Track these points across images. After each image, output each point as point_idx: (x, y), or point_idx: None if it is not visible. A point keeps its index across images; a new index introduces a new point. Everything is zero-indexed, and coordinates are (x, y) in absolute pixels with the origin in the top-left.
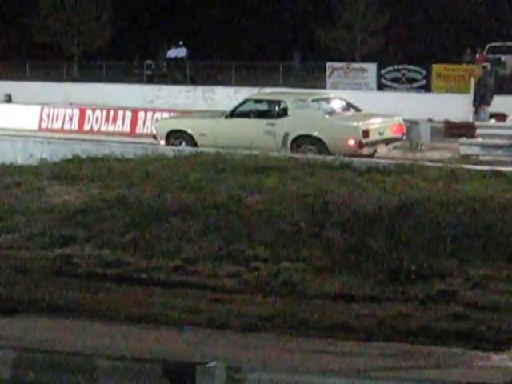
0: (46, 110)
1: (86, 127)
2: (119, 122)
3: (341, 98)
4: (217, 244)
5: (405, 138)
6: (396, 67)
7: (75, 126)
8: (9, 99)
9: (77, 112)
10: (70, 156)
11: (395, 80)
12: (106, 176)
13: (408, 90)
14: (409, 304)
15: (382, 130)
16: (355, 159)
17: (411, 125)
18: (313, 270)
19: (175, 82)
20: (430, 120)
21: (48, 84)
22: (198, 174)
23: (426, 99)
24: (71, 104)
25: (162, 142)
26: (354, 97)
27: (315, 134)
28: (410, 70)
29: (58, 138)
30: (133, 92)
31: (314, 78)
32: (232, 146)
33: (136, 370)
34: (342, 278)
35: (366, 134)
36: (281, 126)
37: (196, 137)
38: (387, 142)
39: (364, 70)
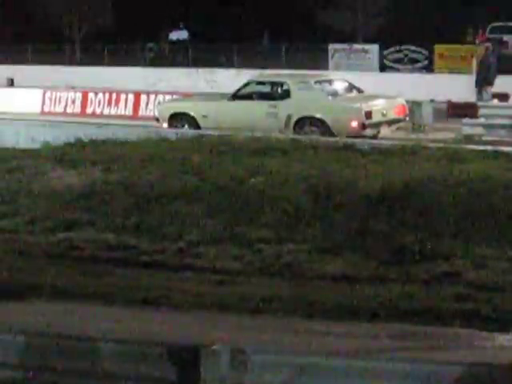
0: (48, 93)
1: (89, 110)
2: (121, 105)
3: (343, 80)
4: (220, 226)
5: (408, 118)
6: (398, 48)
7: (78, 110)
8: (11, 83)
9: (79, 95)
10: (72, 139)
11: (397, 61)
12: (108, 159)
13: (410, 70)
14: (413, 285)
15: (384, 111)
16: (358, 140)
17: (414, 106)
18: (316, 251)
19: (177, 64)
20: (433, 101)
21: (50, 68)
22: (201, 156)
23: (429, 80)
24: (73, 87)
25: (165, 125)
26: (356, 78)
27: (318, 115)
28: (412, 51)
29: (61, 121)
30: (135, 75)
31: (315, 59)
32: (235, 127)
33: (140, 354)
34: (346, 259)
35: (368, 115)
36: (283, 107)
37: (199, 119)
38: (390, 123)
39: (366, 52)
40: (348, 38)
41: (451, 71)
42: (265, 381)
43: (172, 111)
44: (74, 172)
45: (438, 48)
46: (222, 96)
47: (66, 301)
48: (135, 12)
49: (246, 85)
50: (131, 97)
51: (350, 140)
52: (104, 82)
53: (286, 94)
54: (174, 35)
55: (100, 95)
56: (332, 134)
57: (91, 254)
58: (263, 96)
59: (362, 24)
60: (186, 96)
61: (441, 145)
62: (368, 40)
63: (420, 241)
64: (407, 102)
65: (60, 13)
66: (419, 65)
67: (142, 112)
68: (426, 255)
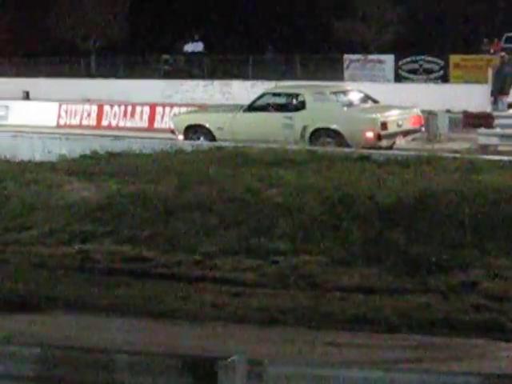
0: (63, 106)
1: (104, 123)
2: (137, 117)
3: (359, 91)
4: (236, 238)
5: (423, 129)
6: (413, 58)
7: (93, 122)
8: (26, 96)
9: (95, 108)
10: (88, 152)
11: (412, 71)
12: (124, 172)
13: (425, 81)
14: (429, 295)
15: (400, 122)
16: (373, 151)
17: (429, 116)
18: (332, 262)
19: (192, 76)
20: (448, 111)
21: (65, 80)
22: (217, 168)
23: (444, 90)
24: (89, 100)
25: (181, 137)
26: (371, 89)
27: (333, 126)
28: (427, 61)
29: (76, 134)
30: (150, 87)
31: (330, 70)
32: (250, 139)
33: (157, 366)
34: (362, 271)
35: (384, 126)
36: (299, 119)
37: (214, 131)
38: (406, 133)
39: (381, 62)
40: (363, 48)
41: (466, 81)
42: None
43: (187, 123)
44: (89, 184)
45: (453, 58)
46: (238, 107)
47: (81, 313)
48: (150, 24)
49: (262, 96)
50: (147, 109)
51: (365, 151)
52: (119, 95)
53: (302, 106)
54: (189, 47)
55: (115, 108)
56: (348, 145)
57: (107, 266)
58: (279, 107)
59: (377, 34)
60: (202, 108)
61: (456, 155)
62: (383, 50)
63: (436, 251)
64: (422, 112)
65: (75, 25)
66: (434, 75)
67: (157, 124)
68: (442, 266)
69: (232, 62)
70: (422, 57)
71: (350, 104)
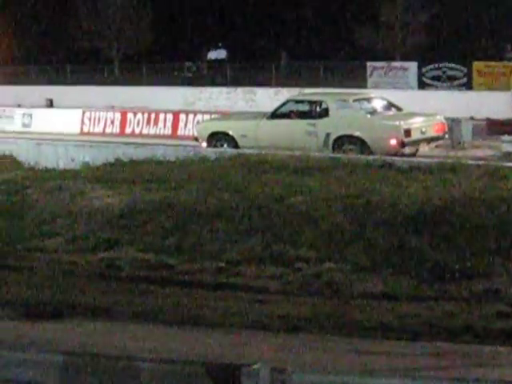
0: (87, 113)
1: (128, 130)
2: (160, 124)
3: (382, 98)
4: (260, 245)
5: (447, 136)
6: (436, 65)
7: (117, 130)
8: (50, 104)
9: (118, 115)
10: (111, 159)
11: (436, 78)
12: (148, 179)
13: (449, 88)
14: (453, 303)
15: (423, 129)
16: (397, 158)
17: (453, 123)
18: (356, 269)
19: (215, 83)
20: (472, 118)
21: (89, 88)
22: (241, 175)
23: (467, 97)
24: (112, 107)
25: (204, 144)
26: (395, 96)
27: (357, 133)
28: (450, 68)
29: (100, 141)
30: (174, 94)
31: (353, 78)
32: (274, 146)
33: (180, 373)
34: (386, 278)
35: (407, 133)
36: (322, 126)
37: (238, 138)
38: (429, 140)
39: (404, 69)
40: (386, 55)
41: (490, 88)
42: None
43: (211, 130)
44: (113, 192)
45: (477, 65)
46: (261, 115)
47: (105, 320)
48: (174, 32)
49: (285, 103)
50: (170, 116)
51: (388, 158)
52: (143, 102)
53: (325, 113)
54: (213, 54)
55: (139, 115)
56: (371, 152)
57: (131, 274)
58: (302, 114)
59: (400, 42)
60: (225, 115)
61: (480, 162)
62: (406, 58)
63: (459, 259)
64: (446, 119)
65: (99, 33)
66: (458, 82)
67: (180, 131)
68: (466, 273)
69: (255, 69)
70: (446, 64)
71: (373, 111)
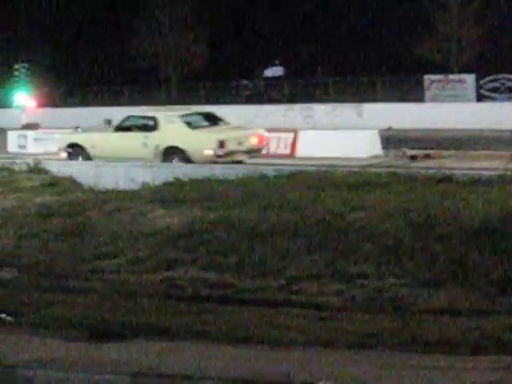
0: None
1: None
2: None
3: (213, 114)
4: (320, 262)
5: (267, 148)
6: (495, 77)
7: None
8: (109, 124)
9: None
10: (171, 179)
11: (494, 90)
12: (207, 198)
13: (508, 99)
14: None
15: (240, 141)
16: (456, 172)
17: None
18: (418, 284)
19: (273, 101)
20: None
21: (147, 108)
22: (300, 192)
23: None
24: None
25: (63, 154)
26: (453, 109)
27: (179, 145)
28: (509, 80)
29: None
30: (231, 113)
31: (411, 91)
32: (117, 157)
33: None
34: (448, 292)
35: (221, 144)
36: (153, 139)
37: (88, 149)
38: (247, 151)
39: (462, 82)
40: (443, 68)
41: None
42: None
43: (67, 142)
44: (173, 211)
45: None
46: (110, 129)
47: (168, 340)
48: (230, 50)
49: (128, 118)
50: None
51: (448, 171)
52: None
53: (156, 127)
54: (270, 72)
55: None
56: (192, 162)
57: (192, 293)
58: (139, 128)
59: (458, 54)
60: (87, 129)
61: None
62: (463, 70)
63: None
64: (506, 131)
65: (155, 53)
66: None
67: None
68: None
69: (313, 86)
70: (504, 75)
71: (196, 126)
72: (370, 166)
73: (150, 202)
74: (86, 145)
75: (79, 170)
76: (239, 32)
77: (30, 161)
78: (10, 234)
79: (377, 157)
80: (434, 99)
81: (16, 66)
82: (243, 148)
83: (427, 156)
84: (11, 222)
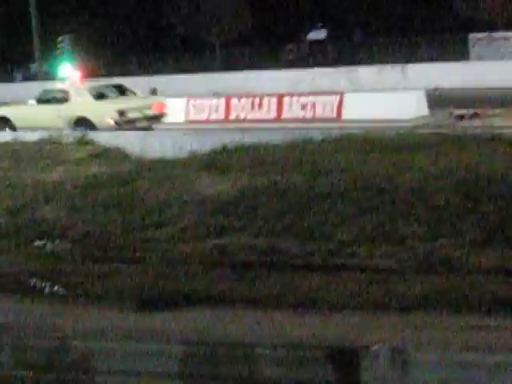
0: (191, 101)
1: (232, 116)
2: (265, 108)
3: (121, 85)
4: (371, 225)
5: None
6: None
7: (221, 116)
8: (154, 93)
9: (222, 102)
10: (218, 146)
11: None
12: (255, 164)
13: None
14: None
15: (142, 110)
16: (506, 131)
17: None
18: (470, 245)
19: (317, 64)
20: None
21: (191, 75)
22: (348, 155)
23: None
24: (217, 94)
25: None
26: (499, 67)
27: (86, 115)
28: None
29: (206, 128)
30: (276, 77)
31: (455, 50)
32: (36, 126)
33: (298, 357)
34: (500, 252)
35: (121, 113)
36: (65, 110)
37: (14, 120)
38: (148, 118)
39: (507, 39)
40: (488, 26)
41: None
42: (426, 379)
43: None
44: (222, 179)
45: None
46: (33, 102)
47: (220, 308)
48: (272, 14)
49: (46, 92)
50: (274, 100)
51: (496, 130)
52: (246, 87)
53: (67, 99)
54: (313, 35)
55: (243, 100)
56: (96, 129)
57: (243, 259)
58: (55, 100)
59: (503, 10)
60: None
61: None
62: (509, 27)
63: None
64: None
65: (198, 20)
66: None
67: (285, 114)
68: None
69: (357, 48)
70: None
71: (101, 97)
72: (417, 126)
73: (198, 170)
74: (11, 117)
75: (126, 141)
76: None
77: (77, 133)
78: (60, 207)
79: (423, 117)
80: (480, 58)
81: (60, 38)
82: (143, 115)
83: (475, 115)
84: (61, 195)
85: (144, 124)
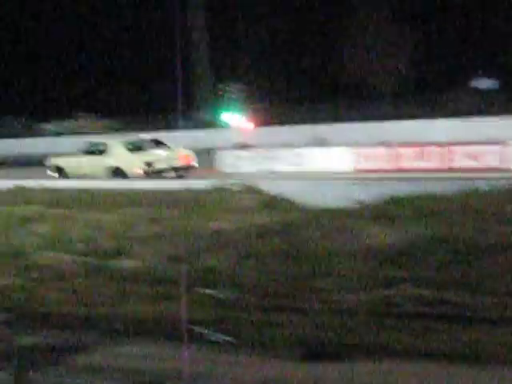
0: (359, 150)
1: (401, 165)
2: (433, 158)
3: (155, 139)
4: None
5: (195, 165)
6: None
7: (390, 165)
8: (323, 142)
9: (390, 151)
10: (386, 196)
11: None
12: (423, 215)
13: None
14: None
15: (168, 161)
16: None
17: None
18: None
19: (484, 113)
20: None
21: (358, 124)
22: None
23: None
24: (385, 143)
25: (55, 174)
26: None
27: (119, 165)
28: None
29: (374, 178)
30: (441, 126)
31: None
32: (84, 175)
33: None
34: None
35: (148, 164)
36: (104, 161)
37: (66, 169)
38: (175, 169)
39: None
40: None
41: None
42: None
43: (54, 164)
44: (390, 229)
45: None
46: (81, 153)
47: (386, 359)
48: (432, 62)
49: (90, 144)
50: (441, 149)
51: None
52: (411, 136)
53: (106, 151)
54: (480, 83)
55: (411, 149)
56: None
57: (410, 311)
58: (98, 152)
59: None
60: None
61: None
62: None
63: None
64: None
65: (361, 70)
66: None
67: (453, 164)
68: None
69: None
70: None
71: (133, 150)
72: None
73: (365, 220)
74: (64, 166)
75: (292, 189)
76: (443, 44)
77: (244, 180)
78: (230, 255)
79: None
80: None
81: (222, 86)
82: (170, 166)
83: None
84: (230, 243)
85: (171, 174)
